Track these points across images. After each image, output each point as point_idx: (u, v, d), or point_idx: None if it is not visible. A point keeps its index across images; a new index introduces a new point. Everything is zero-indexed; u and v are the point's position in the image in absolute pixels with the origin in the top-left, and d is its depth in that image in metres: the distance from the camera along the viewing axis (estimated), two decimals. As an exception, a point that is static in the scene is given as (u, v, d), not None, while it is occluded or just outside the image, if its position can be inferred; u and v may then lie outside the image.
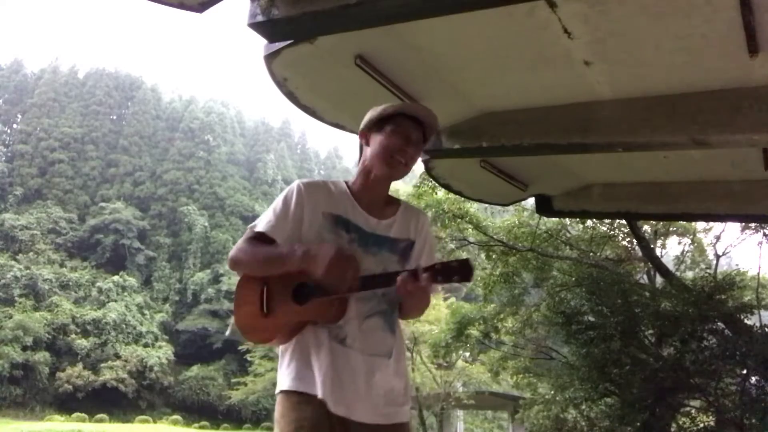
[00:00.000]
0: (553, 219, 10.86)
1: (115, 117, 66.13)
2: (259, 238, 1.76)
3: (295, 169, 70.74)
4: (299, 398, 1.66)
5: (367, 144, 1.85)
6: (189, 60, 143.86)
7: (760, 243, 10.02)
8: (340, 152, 79.26)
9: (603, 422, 9.20)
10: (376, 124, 1.83)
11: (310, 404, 1.64)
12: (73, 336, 45.22)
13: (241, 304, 1.78)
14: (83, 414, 37.00)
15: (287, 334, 1.72)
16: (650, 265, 11.05)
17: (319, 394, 1.63)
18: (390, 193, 1.93)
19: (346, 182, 1.88)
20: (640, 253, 11.03)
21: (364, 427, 1.66)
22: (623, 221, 10.30)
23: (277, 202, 1.79)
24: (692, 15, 2.15)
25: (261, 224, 1.77)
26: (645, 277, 11.72)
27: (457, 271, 1.61)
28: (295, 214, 1.75)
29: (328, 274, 1.60)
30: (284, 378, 1.72)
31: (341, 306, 1.68)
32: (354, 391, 1.66)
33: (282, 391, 1.71)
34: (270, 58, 2.48)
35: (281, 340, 1.73)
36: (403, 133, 1.79)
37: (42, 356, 42.93)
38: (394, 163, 1.78)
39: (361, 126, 1.87)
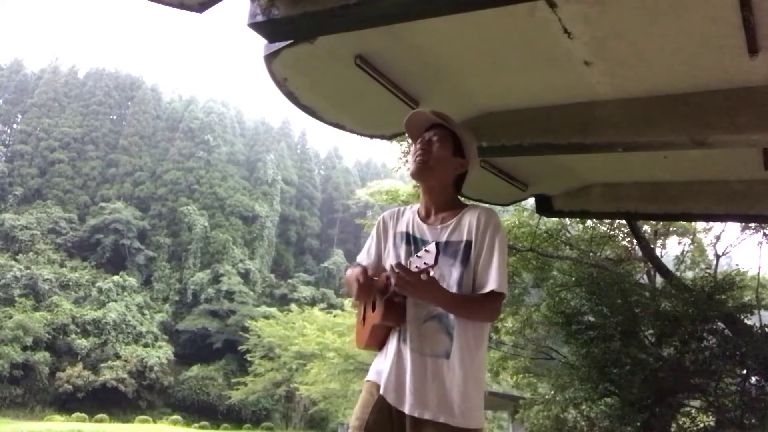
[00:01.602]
0: (553, 219, 10.86)
1: (115, 117, 66.08)
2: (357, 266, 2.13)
3: (295, 169, 70.69)
4: (373, 385, 1.96)
5: None
6: (189, 60, 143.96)
7: (760, 243, 10.02)
8: (340, 152, 79.24)
9: (603, 422, 9.19)
10: None
11: (380, 392, 1.91)
12: (73, 336, 45.22)
13: (357, 317, 2.18)
14: (83, 414, 37.00)
15: (376, 339, 2.00)
16: (650, 265, 11.04)
17: (381, 389, 1.89)
18: (434, 196, 2.08)
19: None
20: (640, 253, 11.03)
21: (416, 421, 1.82)
22: (623, 221, 10.30)
23: (369, 236, 2.21)
24: (692, 15, 2.15)
25: (360, 255, 2.20)
26: (645, 277, 11.71)
27: (426, 257, 1.72)
28: (378, 242, 2.14)
29: (356, 296, 1.96)
30: (370, 369, 2.03)
31: (397, 308, 1.90)
32: (409, 387, 1.84)
33: (366, 380, 2.03)
34: (270, 58, 2.48)
35: (373, 344, 2.03)
36: (414, 143, 2.09)
37: (42, 356, 42.95)
38: (413, 165, 2.02)
39: None
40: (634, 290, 9.04)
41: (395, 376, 1.88)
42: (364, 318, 2.07)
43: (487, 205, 2.86)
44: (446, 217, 2.00)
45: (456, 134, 2.05)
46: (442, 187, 2.04)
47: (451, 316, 1.87)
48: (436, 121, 2.05)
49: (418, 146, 2.02)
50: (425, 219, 2.04)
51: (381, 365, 1.96)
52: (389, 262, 2.02)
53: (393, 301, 1.88)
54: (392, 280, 1.75)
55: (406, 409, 1.83)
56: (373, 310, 1.98)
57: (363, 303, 2.08)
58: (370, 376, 1.99)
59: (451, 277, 1.88)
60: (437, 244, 1.71)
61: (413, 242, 2.00)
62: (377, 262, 2.10)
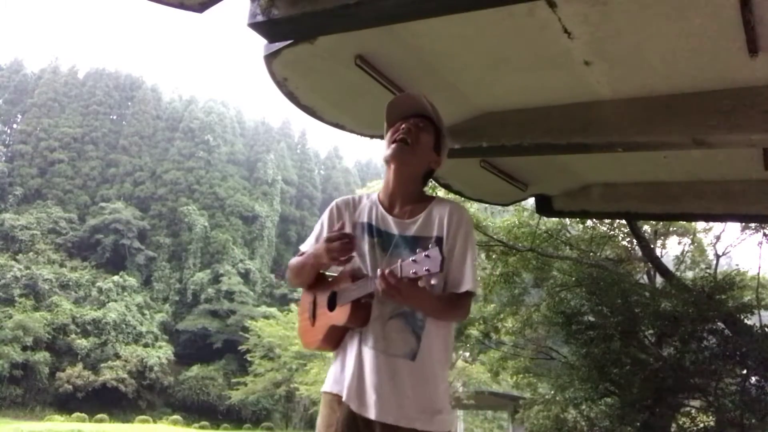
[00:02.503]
0: (553, 219, 10.86)
1: (115, 117, 66.11)
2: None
3: (295, 169, 70.69)
4: (333, 398, 1.79)
5: None
6: (189, 60, 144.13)
7: (760, 243, 10.01)
8: (340, 152, 79.22)
9: (603, 422, 9.20)
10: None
11: (342, 405, 1.75)
12: (73, 336, 45.22)
13: (300, 314, 2.01)
14: (83, 414, 37.01)
15: (328, 341, 1.85)
16: (650, 265, 11.05)
17: (344, 396, 1.73)
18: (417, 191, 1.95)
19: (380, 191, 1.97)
20: (640, 253, 11.03)
21: (387, 428, 1.68)
22: (623, 221, 10.30)
23: (317, 223, 2.02)
24: (692, 15, 2.15)
25: (304, 245, 2.00)
26: (645, 277, 11.72)
27: (425, 262, 1.50)
28: (329, 230, 1.93)
29: (328, 252, 1.76)
30: (327, 379, 1.86)
31: (362, 309, 1.74)
32: (377, 391, 1.70)
33: (322, 392, 1.86)
34: (270, 58, 2.48)
35: (327, 346, 1.87)
36: (401, 124, 1.92)
37: (42, 356, 42.94)
38: (395, 144, 1.87)
39: None
40: (634, 290, 9.04)
41: (358, 381, 1.72)
42: (314, 316, 1.89)
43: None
44: (413, 209, 1.86)
45: (440, 130, 1.96)
46: (414, 176, 1.91)
47: (419, 315, 1.75)
48: (426, 111, 1.93)
49: (403, 126, 1.87)
50: (390, 210, 1.88)
51: (340, 371, 1.80)
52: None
53: (360, 302, 1.72)
54: (378, 286, 1.58)
55: (373, 415, 1.68)
56: (331, 308, 1.82)
57: (313, 301, 1.92)
58: (328, 386, 1.83)
59: None
60: (440, 250, 1.51)
61: (377, 234, 1.84)
62: None
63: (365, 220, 1.88)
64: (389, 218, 1.86)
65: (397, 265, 1.55)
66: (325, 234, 1.90)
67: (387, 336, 1.74)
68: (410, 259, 1.54)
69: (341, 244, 1.74)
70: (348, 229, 1.86)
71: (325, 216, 1.97)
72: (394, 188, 1.89)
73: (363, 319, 1.74)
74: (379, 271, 1.59)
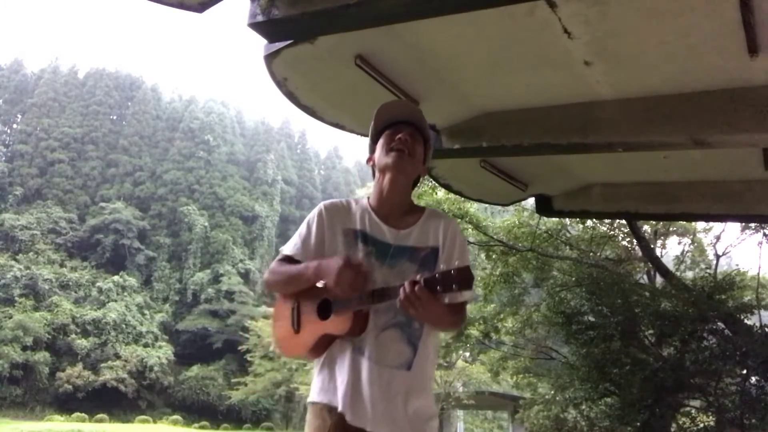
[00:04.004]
0: (553, 219, 10.86)
1: (115, 117, 66.13)
2: (287, 261, 1.88)
3: (295, 169, 70.70)
4: (323, 408, 1.75)
5: (375, 163, 1.94)
6: (189, 60, 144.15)
7: (760, 243, 10.02)
8: (340, 152, 79.29)
9: (603, 422, 9.20)
10: (373, 144, 1.96)
11: (332, 414, 1.72)
12: (73, 336, 45.22)
13: (277, 320, 1.91)
14: (83, 414, 37.04)
15: (318, 349, 1.79)
16: (650, 265, 11.06)
17: (339, 406, 1.70)
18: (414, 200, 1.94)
19: (369, 198, 1.93)
20: (640, 253, 11.04)
21: None
22: (623, 221, 10.31)
23: (302, 225, 1.91)
24: (692, 15, 2.15)
25: (288, 247, 1.90)
26: (645, 277, 11.73)
27: (456, 279, 1.51)
28: (318, 235, 1.86)
29: (339, 284, 1.66)
30: (313, 389, 1.81)
31: (362, 319, 1.71)
32: (372, 402, 1.68)
33: (310, 402, 1.80)
34: (270, 58, 2.48)
35: (312, 354, 1.82)
36: (393, 131, 1.90)
37: (42, 356, 42.95)
38: (394, 153, 1.85)
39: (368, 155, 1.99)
40: (634, 290, 9.06)
41: (353, 392, 1.69)
42: (298, 323, 1.82)
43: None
44: (407, 219, 1.86)
45: (427, 141, 1.97)
46: (407, 186, 1.91)
47: (416, 325, 1.75)
48: (416, 120, 1.95)
49: (400, 136, 1.86)
50: (383, 219, 1.85)
51: (328, 380, 1.76)
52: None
53: (360, 311, 1.70)
54: (405, 295, 1.55)
55: (369, 426, 1.67)
56: (322, 316, 1.76)
57: (295, 307, 1.84)
58: (316, 396, 1.78)
59: None
60: (468, 268, 1.50)
61: (372, 243, 1.81)
62: (316, 258, 1.83)
63: (358, 227, 1.84)
64: (383, 227, 1.84)
65: (419, 278, 1.54)
66: (313, 240, 1.84)
67: (382, 346, 1.73)
68: (435, 274, 1.54)
69: (360, 278, 1.66)
70: (339, 237, 1.82)
71: (313, 220, 1.88)
72: (389, 197, 1.87)
73: (362, 328, 1.72)
74: (407, 284, 1.55)
